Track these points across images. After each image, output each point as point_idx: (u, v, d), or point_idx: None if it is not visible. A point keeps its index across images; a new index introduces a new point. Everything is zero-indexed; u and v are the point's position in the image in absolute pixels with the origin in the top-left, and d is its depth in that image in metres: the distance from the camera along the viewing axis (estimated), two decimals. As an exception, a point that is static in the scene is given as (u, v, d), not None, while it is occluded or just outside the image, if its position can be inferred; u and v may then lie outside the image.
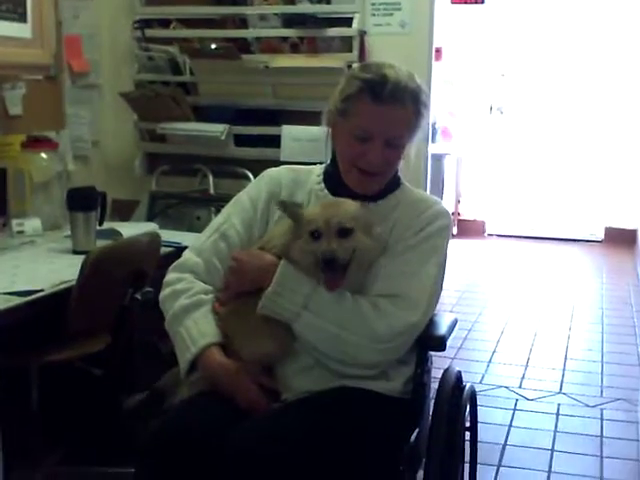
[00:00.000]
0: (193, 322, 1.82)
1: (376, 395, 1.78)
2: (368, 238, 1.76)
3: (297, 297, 1.73)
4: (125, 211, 4.09)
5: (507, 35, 7.60)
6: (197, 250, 1.93)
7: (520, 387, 3.93)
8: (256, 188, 1.99)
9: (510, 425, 3.48)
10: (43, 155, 3.45)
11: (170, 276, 1.92)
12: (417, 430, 1.86)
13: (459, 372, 2.03)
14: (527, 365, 4.26)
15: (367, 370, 1.78)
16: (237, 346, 1.78)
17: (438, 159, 6.73)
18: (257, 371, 1.77)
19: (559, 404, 3.71)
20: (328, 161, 1.99)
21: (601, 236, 7.53)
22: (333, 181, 1.91)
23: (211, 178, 4.06)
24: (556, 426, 3.48)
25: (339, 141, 1.88)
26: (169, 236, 3.16)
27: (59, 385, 2.67)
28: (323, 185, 1.94)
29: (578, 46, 7.48)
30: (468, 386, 2.05)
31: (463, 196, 7.75)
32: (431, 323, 1.86)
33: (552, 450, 3.24)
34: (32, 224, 3.29)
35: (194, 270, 1.90)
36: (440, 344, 1.86)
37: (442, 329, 1.90)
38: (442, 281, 1.87)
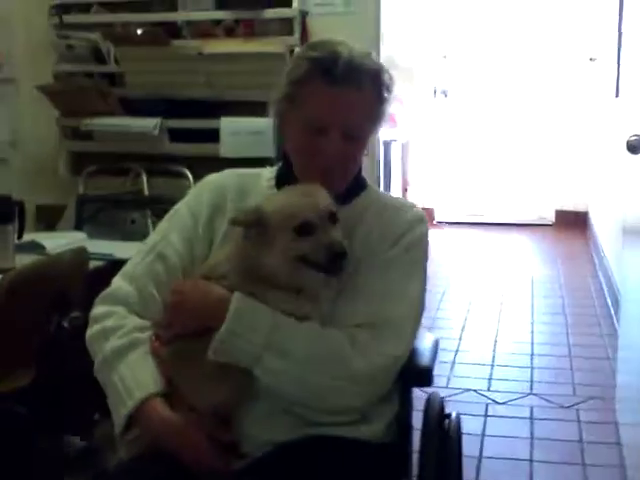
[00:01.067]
0: (128, 368, 1.49)
1: (355, 443, 1.48)
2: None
3: (256, 336, 1.42)
4: (51, 218, 3.84)
5: (448, 15, 7.41)
6: (129, 276, 1.61)
7: (489, 389, 3.71)
8: (196, 199, 1.68)
9: (483, 434, 3.25)
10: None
11: (98, 310, 1.59)
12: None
13: (441, 399, 1.74)
14: (493, 364, 4.05)
15: (343, 416, 1.48)
16: (184, 393, 1.46)
17: (385, 146, 6.46)
18: (210, 423, 1.44)
19: (532, 407, 3.49)
20: (278, 162, 1.72)
21: (552, 219, 7.42)
22: (287, 184, 1.60)
23: (145, 177, 3.79)
24: (532, 432, 3.25)
25: (290, 135, 1.60)
26: (99, 247, 2.83)
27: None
28: (275, 189, 1.66)
29: (521, 26, 7.32)
30: (454, 416, 1.76)
31: (411, 184, 7.51)
32: (412, 351, 1.57)
33: (531, 460, 3.01)
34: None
35: (127, 301, 1.58)
36: (426, 378, 1.58)
37: (426, 358, 1.62)
38: (424, 300, 1.59)
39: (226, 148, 3.54)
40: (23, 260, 2.60)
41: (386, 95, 1.58)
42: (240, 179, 1.70)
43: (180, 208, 1.67)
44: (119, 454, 1.48)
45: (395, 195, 1.72)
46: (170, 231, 1.63)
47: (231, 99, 3.58)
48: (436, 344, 1.73)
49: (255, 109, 3.32)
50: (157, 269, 1.59)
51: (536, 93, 7.38)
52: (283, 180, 1.64)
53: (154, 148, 3.70)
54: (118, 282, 1.61)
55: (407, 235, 1.58)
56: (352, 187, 1.63)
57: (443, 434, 1.62)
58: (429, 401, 1.67)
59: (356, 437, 1.49)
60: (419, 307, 1.56)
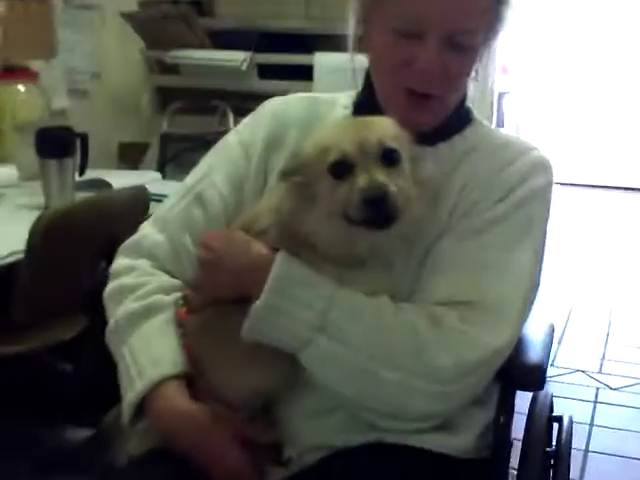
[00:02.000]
0: (142, 340, 1.18)
1: (435, 457, 1.14)
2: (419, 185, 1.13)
3: (306, 312, 1.08)
4: (133, 156, 3.63)
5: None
6: (161, 221, 1.30)
7: (600, 372, 3.30)
8: (250, 129, 1.34)
9: (592, 424, 2.87)
10: (20, 87, 2.87)
11: (119, 262, 1.29)
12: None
13: (552, 400, 1.37)
14: (607, 342, 3.62)
15: (419, 423, 1.14)
16: (212, 379, 1.14)
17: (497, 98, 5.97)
18: (244, 418, 1.12)
19: (650, 395, 3.08)
20: (359, 88, 1.34)
21: None
22: (367, 113, 1.23)
23: (231, 117, 3.49)
24: (649, 427, 2.84)
25: (373, 45, 1.23)
26: (171, 189, 2.54)
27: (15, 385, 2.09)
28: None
29: None
30: (567, 419, 1.40)
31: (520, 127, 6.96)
32: (519, 342, 1.20)
33: (647, 460, 2.62)
34: (6, 173, 2.71)
35: (154, 253, 1.27)
36: (536, 379, 1.21)
37: (537, 352, 1.25)
38: (539, 276, 1.21)
39: (320, 86, 3.20)
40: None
41: None
42: (309, 106, 1.35)
43: (229, 139, 1.35)
44: (128, 448, 1.17)
45: (508, 133, 1.31)
46: (214, 168, 1.31)
47: (329, 32, 3.12)
48: (551, 331, 1.35)
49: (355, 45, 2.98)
50: (195, 215, 1.27)
51: None
52: (363, 107, 1.29)
53: (242, 85, 3.44)
54: (146, 228, 1.30)
55: (522, 186, 1.20)
56: (452, 119, 1.26)
57: (552, 452, 1.26)
58: (535, 401, 1.31)
59: (436, 449, 1.14)
60: (530, 283, 1.18)
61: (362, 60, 1.30)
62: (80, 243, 1.91)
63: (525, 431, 1.28)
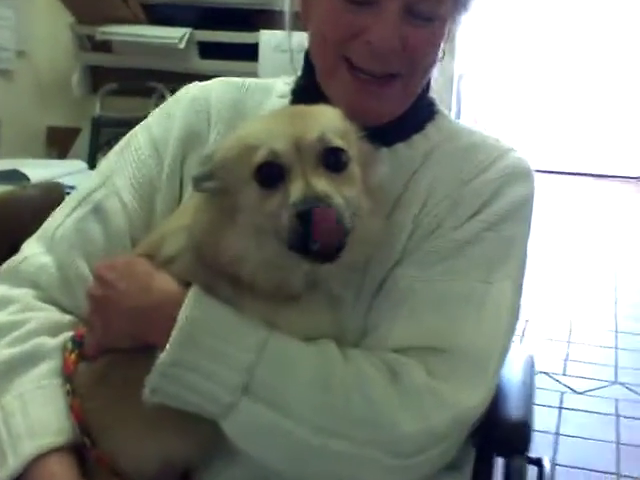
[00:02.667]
0: (18, 400, 0.92)
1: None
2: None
3: (226, 369, 0.84)
4: (63, 142, 3.41)
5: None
6: (48, 239, 1.05)
7: (564, 374, 3.15)
8: (163, 122, 1.10)
9: (557, 433, 2.69)
10: None
11: None
12: None
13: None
14: (569, 341, 3.47)
15: None
16: (109, 448, 0.89)
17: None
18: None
19: (617, 400, 2.92)
20: (299, 71, 1.11)
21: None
22: (306, 101, 0.99)
23: None
24: (618, 436, 2.68)
25: (314, 16, 1.01)
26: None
27: None
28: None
29: None
30: (549, 466, 1.19)
31: (480, 123, 6.81)
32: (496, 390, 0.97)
33: (618, 475, 2.44)
34: None
35: (37, 280, 1.01)
36: (520, 441, 0.99)
37: (518, 404, 1.03)
38: (520, 307, 0.98)
39: (266, 68, 2.98)
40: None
41: None
42: (237, 92, 1.11)
43: (138, 134, 1.10)
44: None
45: (478, 130, 1.08)
46: (117, 171, 1.06)
47: (276, 8, 2.91)
48: (532, 368, 1.12)
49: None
50: (91, 231, 1.03)
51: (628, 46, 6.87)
52: (303, 96, 1.06)
53: (181, 65, 3.18)
54: (29, 248, 1.05)
55: (498, 200, 0.98)
56: (412, 112, 1.03)
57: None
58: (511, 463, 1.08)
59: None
60: (510, 321, 0.96)
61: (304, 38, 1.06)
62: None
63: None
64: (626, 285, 4.22)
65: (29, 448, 0.87)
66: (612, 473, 2.45)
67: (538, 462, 1.18)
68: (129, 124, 3.45)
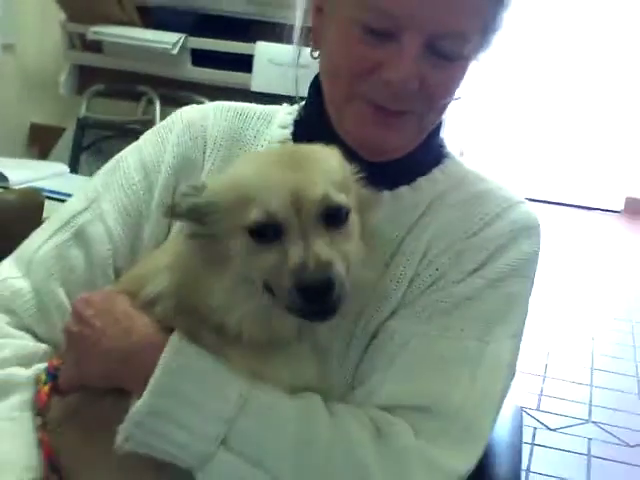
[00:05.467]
0: None
1: None
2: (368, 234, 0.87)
3: (205, 421, 0.81)
4: (46, 140, 3.45)
5: None
6: (25, 263, 1.00)
7: (538, 409, 3.14)
8: (156, 146, 1.07)
9: (528, 470, 2.69)
10: None
11: None
12: None
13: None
14: (545, 376, 3.48)
15: None
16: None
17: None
18: None
19: (589, 440, 2.92)
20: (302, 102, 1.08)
21: (621, 207, 6.82)
22: (311, 135, 0.96)
23: (158, 105, 3.32)
24: (589, 477, 2.67)
25: (329, 42, 0.97)
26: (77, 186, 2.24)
27: None
28: (291, 143, 1.04)
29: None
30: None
31: (464, 152, 6.87)
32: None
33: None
34: None
35: (13, 307, 0.98)
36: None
37: (505, 461, 1.09)
38: (515, 366, 0.96)
39: (259, 80, 2.99)
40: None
41: None
42: (236, 119, 1.08)
43: (127, 157, 1.06)
44: None
45: (488, 177, 1.04)
46: (104, 195, 1.02)
47: (273, 19, 2.93)
48: (520, 418, 1.10)
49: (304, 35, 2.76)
50: (72, 258, 1.00)
51: (611, 75, 6.87)
52: (306, 129, 1.03)
53: (173, 71, 3.23)
54: (5, 270, 1.01)
55: (504, 254, 0.95)
56: (420, 156, 1.00)
57: None
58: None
59: None
60: (506, 380, 0.94)
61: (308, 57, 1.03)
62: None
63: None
64: (604, 321, 4.24)
65: None
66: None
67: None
68: (115, 127, 3.42)
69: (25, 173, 2.33)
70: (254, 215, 0.78)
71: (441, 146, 1.05)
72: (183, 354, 0.82)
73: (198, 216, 0.82)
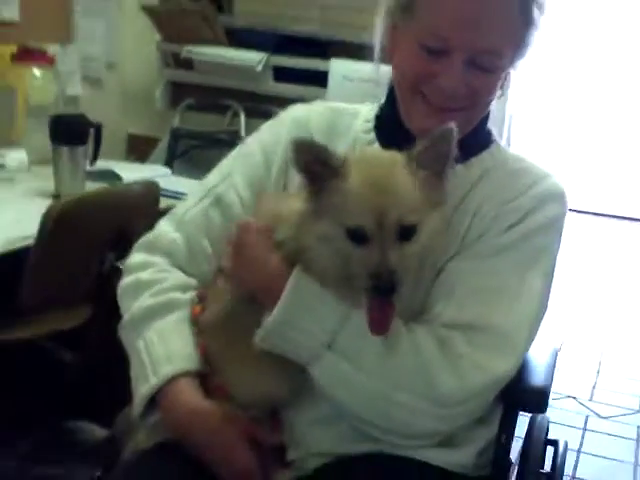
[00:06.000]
0: (157, 335, 1.18)
1: (434, 471, 1.15)
2: (436, 220, 1.09)
3: (317, 329, 1.09)
4: (142, 149, 3.61)
5: None
6: (177, 220, 1.30)
7: (591, 399, 3.32)
8: (273, 134, 1.34)
9: (579, 451, 2.88)
10: (36, 71, 2.87)
11: (134, 258, 1.30)
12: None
13: (548, 423, 1.38)
14: (599, 371, 3.65)
15: (418, 441, 1.14)
16: (224, 379, 1.14)
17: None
18: (252, 419, 1.13)
19: (639, 426, 3.09)
20: (382, 100, 1.34)
21: None
22: (388, 127, 1.27)
23: (243, 117, 3.48)
24: (637, 458, 2.85)
25: (399, 57, 1.23)
26: (179, 185, 2.55)
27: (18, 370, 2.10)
28: (373, 134, 1.30)
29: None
30: (563, 444, 1.40)
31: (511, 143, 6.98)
32: (523, 364, 1.21)
33: (634, 491, 2.63)
34: (16, 156, 2.72)
35: (170, 251, 1.27)
36: (541, 402, 1.23)
37: (541, 376, 1.26)
38: (547, 303, 1.21)
39: (333, 93, 3.18)
40: (93, 188, 2.39)
41: (536, 15, 1.19)
42: (332, 115, 1.35)
43: (251, 143, 1.35)
44: (137, 442, 1.18)
45: (527, 159, 1.31)
46: (235, 171, 1.31)
47: (346, 39, 3.18)
48: (555, 356, 1.36)
49: (370, 53, 2.96)
50: (213, 217, 1.28)
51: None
52: (384, 122, 1.30)
53: (256, 86, 3.40)
54: (163, 226, 1.30)
55: (535, 214, 1.20)
56: (471, 140, 1.24)
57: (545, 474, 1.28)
58: (533, 425, 1.32)
59: (435, 463, 1.15)
60: (539, 309, 1.18)
61: (385, 71, 1.30)
62: (90, 233, 1.92)
63: (522, 452, 1.29)
64: None
65: (167, 369, 1.14)
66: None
67: (554, 443, 1.40)
68: (204, 137, 3.70)
69: (134, 174, 2.61)
70: (350, 222, 1.03)
71: (489, 134, 1.30)
72: (301, 283, 1.08)
73: (323, 178, 1.05)
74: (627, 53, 7.01)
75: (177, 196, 2.45)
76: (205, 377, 1.17)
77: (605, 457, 2.84)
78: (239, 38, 3.40)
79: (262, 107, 3.41)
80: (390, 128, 1.26)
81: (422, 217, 1.05)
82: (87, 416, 2.17)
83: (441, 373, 1.09)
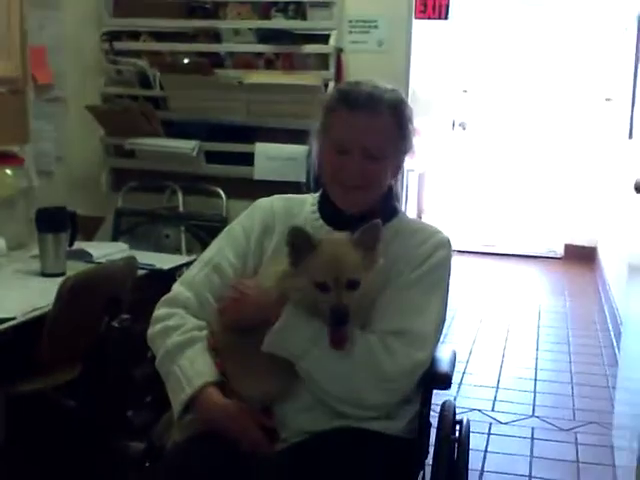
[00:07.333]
0: (188, 360, 1.72)
1: (381, 436, 1.70)
2: (371, 275, 1.68)
3: (307, 333, 1.65)
4: (89, 228, 3.91)
5: (469, 51, 7.61)
6: (188, 284, 1.84)
7: (493, 410, 3.91)
8: (249, 219, 1.91)
9: (486, 450, 3.45)
10: (8, 171, 3.34)
11: (160, 311, 1.82)
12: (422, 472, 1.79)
13: (454, 406, 1.96)
14: (498, 387, 4.23)
15: (371, 412, 1.70)
16: (235, 385, 1.69)
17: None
18: (257, 410, 1.68)
19: (533, 428, 3.70)
20: (318, 190, 1.93)
21: (561, 253, 7.56)
22: (327, 209, 1.85)
23: (180, 195, 3.96)
24: (532, 451, 3.46)
25: (324, 161, 1.83)
26: (140, 257, 3.05)
27: (28, 417, 2.54)
28: (318, 215, 1.87)
29: (539, 64, 7.52)
30: (466, 421, 1.99)
31: (425, 212, 7.71)
32: (433, 359, 1.80)
33: (530, 477, 3.22)
34: (-1, 245, 3.15)
35: (186, 305, 1.81)
36: (445, 382, 1.81)
37: (445, 365, 1.84)
38: (445, 315, 1.81)
39: (259, 171, 3.68)
40: (72, 266, 2.86)
41: (406, 124, 1.79)
42: (287, 203, 1.92)
43: (234, 226, 1.91)
44: (173, 437, 1.71)
45: (423, 221, 1.94)
46: (225, 246, 1.87)
47: (268, 126, 3.72)
48: (454, 355, 1.96)
49: (290, 136, 3.48)
50: (213, 279, 1.83)
51: (551, 130, 7.55)
52: (323, 207, 1.88)
53: (191, 168, 3.82)
54: (178, 288, 1.85)
55: (431, 258, 1.79)
56: (384, 214, 1.81)
57: (455, 438, 1.85)
58: (444, 405, 1.90)
59: (381, 431, 1.71)
60: (440, 320, 1.78)
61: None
62: (92, 300, 2.41)
63: (438, 423, 1.85)
64: (545, 348, 4.99)
65: (198, 382, 1.68)
66: (525, 476, 3.22)
67: (460, 422, 1.99)
68: (146, 214, 4.22)
69: (102, 251, 3.07)
70: (318, 278, 1.62)
71: (395, 208, 1.90)
72: (293, 309, 1.66)
73: (300, 253, 1.64)
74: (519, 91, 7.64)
75: (146, 267, 2.96)
76: (223, 385, 1.71)
77: (506, 454, 3.41)
78: (175, 129, 3.84)
79: (197, 185, 3.93)
80: (329, 209, 1.86)
81: (362, 275, 1.65)
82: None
83: (384, 360, 1.66)
